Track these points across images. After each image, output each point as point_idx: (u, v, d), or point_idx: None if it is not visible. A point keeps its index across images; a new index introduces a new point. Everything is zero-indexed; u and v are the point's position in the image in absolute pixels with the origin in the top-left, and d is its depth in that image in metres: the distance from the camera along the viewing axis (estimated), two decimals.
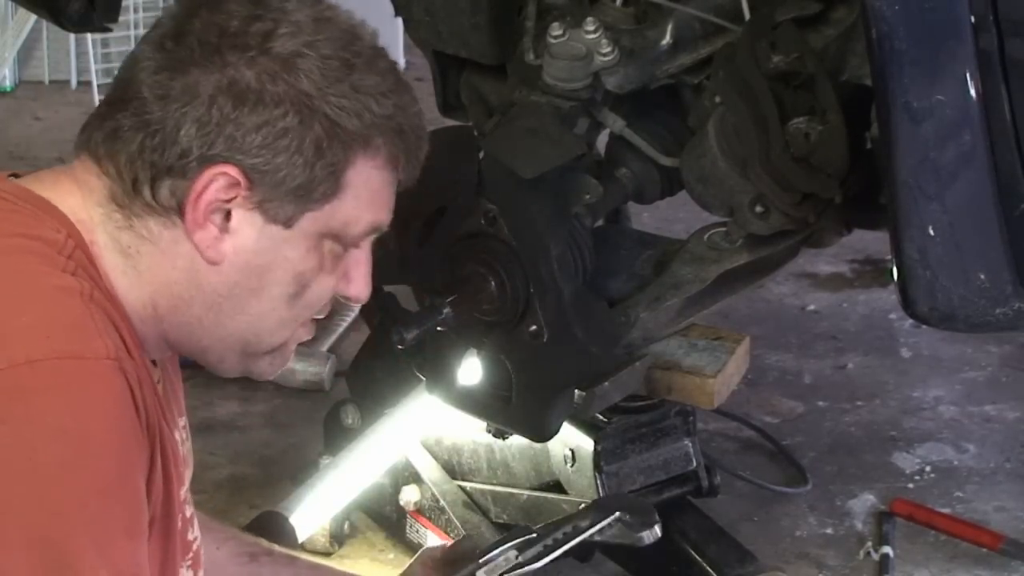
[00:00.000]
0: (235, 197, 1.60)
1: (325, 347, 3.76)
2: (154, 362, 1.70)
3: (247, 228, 1.62)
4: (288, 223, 1.62)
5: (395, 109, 1.64)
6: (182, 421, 1.82)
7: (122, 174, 1.62)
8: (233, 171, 1.59)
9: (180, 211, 1.61)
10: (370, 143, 1.62)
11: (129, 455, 1.54)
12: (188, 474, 1.81)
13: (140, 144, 1.60)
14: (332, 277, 1.68)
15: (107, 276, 1.63)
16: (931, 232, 2.12)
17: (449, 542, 2.82)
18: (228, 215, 1.61)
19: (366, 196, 1.65)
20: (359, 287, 1.71)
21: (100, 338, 1.54)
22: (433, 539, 2.86)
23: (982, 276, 2.14)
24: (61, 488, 1.48)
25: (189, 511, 1.75)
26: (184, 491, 1.73)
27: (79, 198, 1.64)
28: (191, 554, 1.76)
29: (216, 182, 1.59)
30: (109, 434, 1.52)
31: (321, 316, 1.72)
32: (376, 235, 1.70)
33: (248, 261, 1.64)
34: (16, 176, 1.71)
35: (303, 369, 3.62)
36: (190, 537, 1.76)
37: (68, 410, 1.49)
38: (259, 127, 1.59)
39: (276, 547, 2.06)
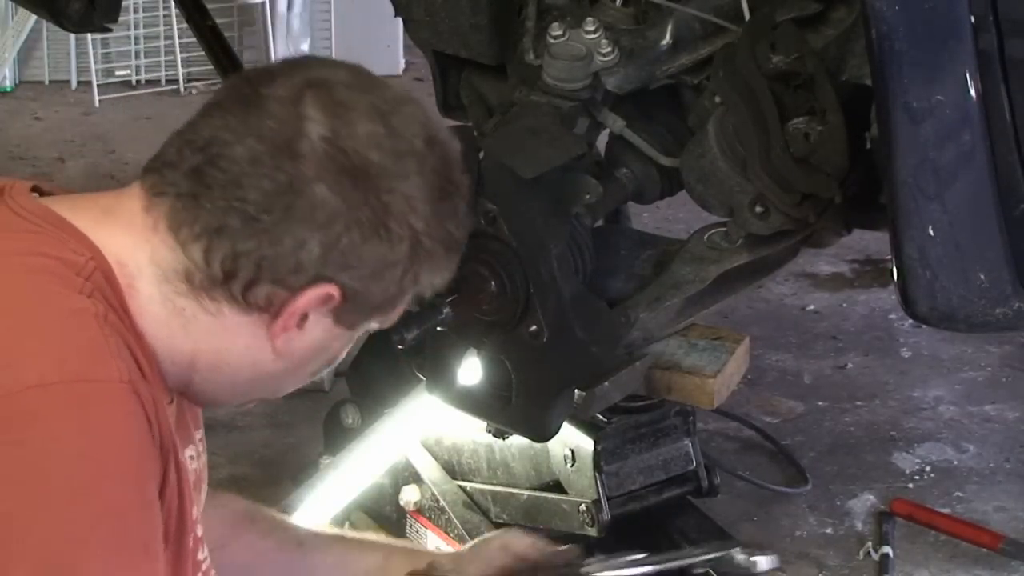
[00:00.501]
0: (322, 307, 1.66)
1: None
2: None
3: (317, 328, 1.68)
4: (352, 327, 1.70)
5: (466, 233, 1.73)
6: (199, 434, 1.83)
7: (212, 264, 1.62)
8: (336, 291, 1.64)
9: (268, 312, 1.64)
10: (445, 267, 1.72)
11: (144, 476, 1.55)
12: (203, 494, 1.81)
13: (250, 249, 1.61)
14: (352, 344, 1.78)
15: (135, 312, 1.63)
16: (931, 232, 2.11)
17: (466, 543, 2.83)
18: (307, 316, 1.66)
19: (408, 299, 1.73)
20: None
21: (113, 361, 1.54)
22: (433, 539, 2.86)
23: (982, 276, 2.14)
24: (75, 512, 1.47)
25: (200, 531, 1.76)
26: (196, 511, 1.73)
27: (130, 245, 1.63)
28: (200, 573, 1.76)
29: (317, 298, 1.64)
30: (123, 457, 1.52)
31: None
32: None
33: (304, 353, 1.70)
34: (39, 192, 1.71)
35: None
36: (200, 557, 1.76)
37: (81, 433, 1.49)
38: (376, 259, 1.63)
39: (320, 529, 2.09)
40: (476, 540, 2.19)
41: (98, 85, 5.61)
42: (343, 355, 1.77)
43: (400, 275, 1.65)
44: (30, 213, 1.64)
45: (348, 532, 2.21)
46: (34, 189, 1.71)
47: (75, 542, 1.47)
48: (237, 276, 1.62)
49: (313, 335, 1.68)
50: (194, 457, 1.79)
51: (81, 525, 1.47)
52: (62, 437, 1.48)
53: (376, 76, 1.70)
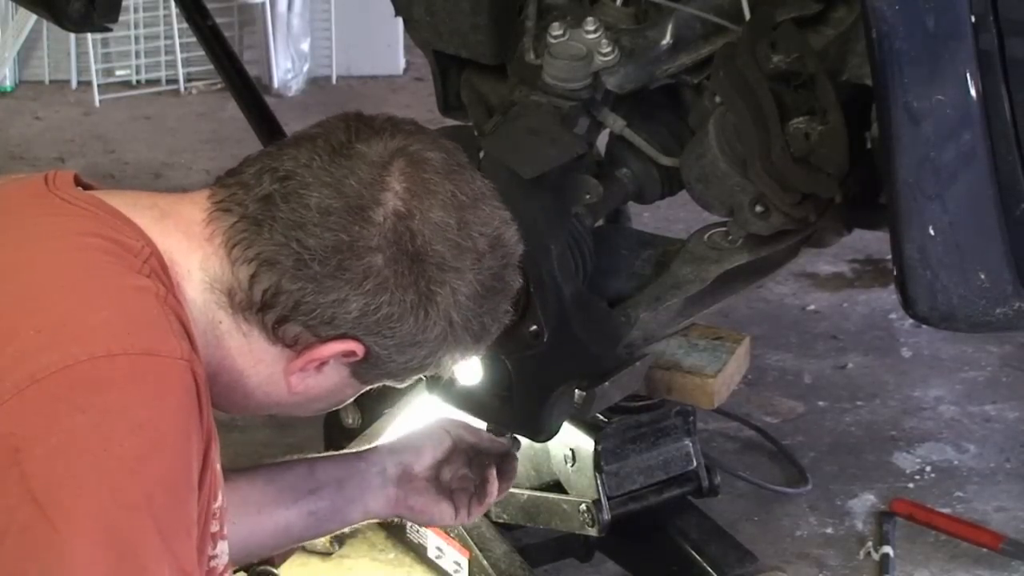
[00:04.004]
0: (343, 359, 1.71)
1: None
2: None
3: (333, 374, 1.73)
4: (366, 382, 1.76)
5: (498, 328, 1.79)
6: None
7: (255, 292, 1.66)
8: (360, 350, 1.69)
9: (293, 349, 1.69)
10: (476, 351, 1.79)
11: (192, 456, 1.58)
12: (223, 489, 1.83)
13: (294, 290, 1.65)
14: None
15: (184, 303, 1.66)
16: (931, 232, 2.11)
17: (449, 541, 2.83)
18: (326, 361, 1.71)
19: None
20: None
21: (175, 338, 1.58)
22: (433, 539, 2.86)
23: (982, 276, 2.14)
24: (133, 480, 1.50)
25: (216, 526, 1.77)
26: (216, 505, 1.74)
27: (184, 248, 1.67)
28: (216, 550, 1.77)
29: (341, 351, 1.68)
30: (179, 433, 1.55)
31: None
32: None
33: (318, 395, 1.76)
34: (84, 186, 1.74)
35: None
36: (214, 529, 1.76)
37: (144, 405, 1.53)
38: (407, 335, 1.69)
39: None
40: (411, 431, 2.28)
41: (98, 85, 5.60)
42: (350, 400, 1.83)
43: (425, 354, 1.72)
44: (81, 201, 1.68)
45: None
46: (76, 181, 1.74)
47: (131, 509, 1.49)
48: (274, 308, 1.66)
49: (329, 380, 1.73)
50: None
51: (139, 493, 1.50)
52: (125, 407, 1.51)
53: (467, 163, 1.75)
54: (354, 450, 2.28)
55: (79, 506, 1.47)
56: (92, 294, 1.57)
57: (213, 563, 1.78)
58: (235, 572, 2.55)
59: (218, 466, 1.74)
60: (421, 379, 2.60)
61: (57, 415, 1.49)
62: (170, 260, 1.65)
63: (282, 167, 1.67)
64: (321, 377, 1.73)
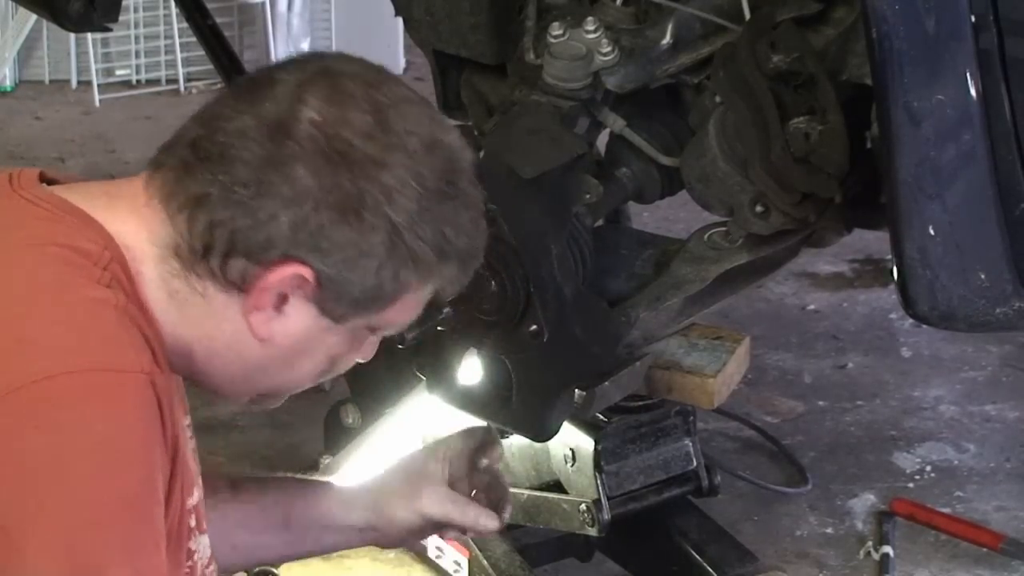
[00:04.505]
0: (301, 292, 1.65)
1: None
2: None
3: (298, 315, 1.67)
4: (338, 320, 1.68)
5: (470, 241, 1.70)
6: (187, 419, 1.83)
7: (195, 235, 1.63)
8: (308, 273, 1.63)
9: (243, 289, 1.64)
10: (442, 273, 1.69)
11: (155, 469, 1.56)
12: (198, 486, 1.82)
13: (226, 219, 1.62)
14: (357, 354, 1.77)
15: (146, 301, 1.64)
16: (931, 232, 2.11)
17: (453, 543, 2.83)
18: (284, 298, 1.66)
19: (413, 304, 1.72)
20: (367, 354, 1.79)
21: (133, 351, 1.56)
22: (433, 539, 2.86)
23: (982, 276, 2.14)
24: (94, 498, 1.49)
25: (193, 521, 1.76)
26: (192, 502, 1.74)
27: (133, 228, 1.65)
28: (190, 562, 1.76)
29: (289, 278, 1.63)
30: (140, 447, 1.54)
31: None
32: None
33: (291, 344, 1.69)
34: (48, 181, 1.71)
35: None
36: (191, 545, 1.76)
37: (102, 422, 1.51)
38: (348, 244, 1.63)
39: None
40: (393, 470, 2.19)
41: (98, 85, 5.60)
42: (350, 363, 1.77)
43: (376, 267, 1.64)
44: (44, 201, 1.65)
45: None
46: (40, 177, 1.71)
47: (95, 526, 1.48)
48: (215, 248, 1.62)
49: (297, 322, 1.67)
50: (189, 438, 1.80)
51: (101, 510, 1.49)
52: (85, 424, 1.50)
53: (394, 76, 1.71)
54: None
55: (40, 526, 1.46)
56: (50, 310, 1.55)
57: (194, 559, 1.77)
58: (253, 568, 2.55)
59: (193, 464, 1.74)
60: (421, 379, 2.63)
61: (15, 435, 1.48)
62: (125, 248, 1.63)
63: (207, 110, 1.66)
64: (288, 321, 1.67)
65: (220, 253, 1.63)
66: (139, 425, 1.54)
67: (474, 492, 2.16)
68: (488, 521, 2.13)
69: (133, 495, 1.52)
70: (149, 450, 1.55)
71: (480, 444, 2.18)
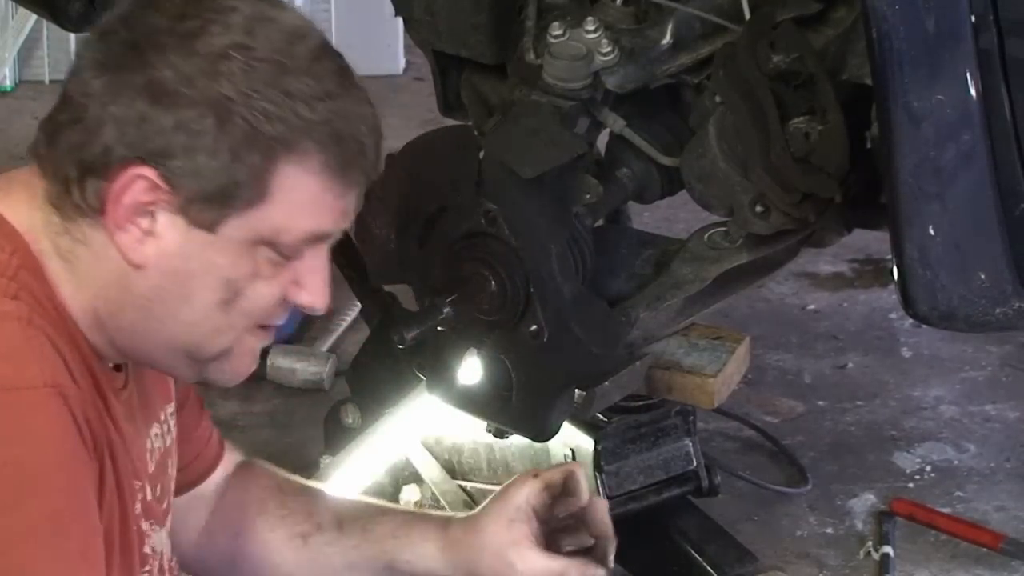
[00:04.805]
0: (156, 200, 1.57)
1: (325, 347, 3.76)
2: (120, 367, 1.69)
3: (170, 232, 1.59)
4: (212, 228, 1.58)
5: (330, 114, 1.59)
6: (169, 408, 1.81)
7: (56, 173, 1.60)
8: (150, 173, 1.56)
9: (103, 212, 1.58)
10: (296, 149, 1.57)
11: (76, 479, 1.53)
12: (171, 470, 1.80)
13: (68, 141, 1.58)
14: (272, 284, 1.63)
15: (54, 285, 1.61)
16: (931, 232, 2.12)
17: None
18: (154, 217, 1.58)
19: (298, 203, 1.59)
20: (313, 296, 1.66)
21: (36, 365, 1.53)
22: None
23: (982, 276, 2.14)
24: (11, 520, 1.47)
25: (147, 524, 1.73)
26: (139, 507, 1.71)
27: (25, 203, 1.62)
28: (148, 566, 1.74)
29: (136, 184, 1.56)
30: (52, 462, 1.51)
31: (277, 322, 1.69)
32: (327, 243, 1.66)
33: (174, 266, 1.60)
34: None
35: (303, 369, 3.62)
36: (147, 549, 1.74)
37: (8, 442, 1.49)
38: (176, 128, 1.55)
39: (324, 517, 1.96)
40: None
41: None
42: (263, 294, 1.63)
43: (212, 150, 1.55)
44: None
45: (348, 516, 1.99)
46: None
47: (15, 548, 1.46)
48: (70, 178, 1.58)
49: (171, 240, 1.58)
50: (159, 435, 1.77)
51: (16, 534, 1.47)
52: None
53: None
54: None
55: None
56: None
57: (151, 563, 1.75)
58: None
59: (139, 463, 1.71)
60: (421, 379, 2.63)
61: None
62: (25, 231, 1.60)
63: (60, 96, 1.63)
64: (161, 241, 1.58)
65: (75, 180, 1.58)
66: (49, 442, 1.51)
67: (565, 545, 1.92)
68: (597, 573, 1.89)
69: (52, 511, 1.49)
70: (64, 465, 1.52)
71: (563, 484, 1.93)
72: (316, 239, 1.63)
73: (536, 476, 1.93)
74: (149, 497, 1.73)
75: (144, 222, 1.58)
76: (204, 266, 1.60)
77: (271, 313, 1.66)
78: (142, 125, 1.55)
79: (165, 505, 1.80)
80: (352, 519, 1.96)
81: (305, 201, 1.60)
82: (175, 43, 1.56)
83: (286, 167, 1.57)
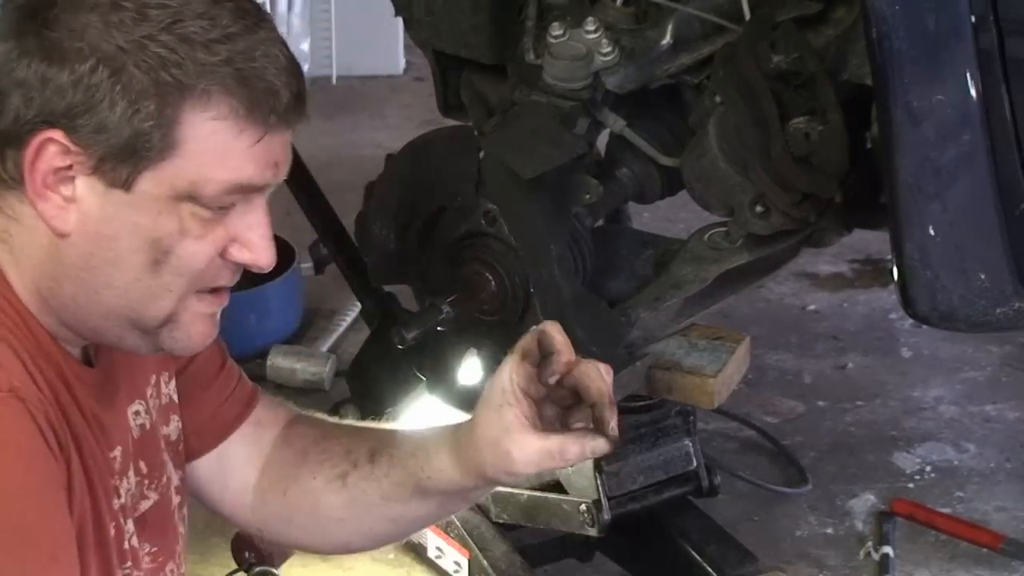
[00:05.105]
0: (71, 164, 1.54)
1: (325, 347, 3.76)
2: (86, 351, 1.67)
3: (90, 196, 1.55)
4: (127, 186, 1.54)
5: (230, 54, 1.53)
6: (152, 379, 1.78)
7: None
8: (58, 135, 1.53)
9: (22, 182, 1.56)
10: (197, 93, 1.52)
11: (42, 483, 1.52)
12: (133, 475, 1.77)
13: None
14: (203, 243, 1.58)
15: (9, 284, 1.59)
16: (931, 232, 2.12)
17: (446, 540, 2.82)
18: (73, 183, 1.55)
19: (211, 151, 1.55)
20: (258, 253, 1.61)
21: None
22: (433, 538, 2.86)
23: (982, 276, 2.14)
24: None
25: (127, 521, 1.71)
26: (119, 502, 1.69)
27: None
28: (129, 562, 1.72)
29: (47, 149, 1.54)
30: (15, 469, 1.50)
31: (221, 284, 1.63)
32: (260, 195, 1.61)
33: (97, 231, 1.56)
34: None
35: (303, 369, 3.62)
36: (126, 546, 1.72)
37: None
38: (73, 85, 1.52)
39: (360, 453, 1.87)
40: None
41: None
42: (194, 252, 1.58)
43: (110, 104, 1.52)
44: None
45: (385, 446, 1.88)
46: None
47: None
48: None
49: (91, 204, 1.56)
50: (140, 412, 1.75)
51: None
52: None
53: None
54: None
55: None
56: None
57: (141, 552, 1.74)
58: (253, 568, 2.50)
59: (112, 455, 1.68)
60: (421, 379, 2.63)
61: None
62: None
63: None
64: (82, 205, 1.55)
65: None
66: (11, 448, 1.49)
67: (573, 422, 1.74)
68: (597, 445, 1.70)
69: (16, 521, 1.48)
70: (29, 470, 1.51)
71: (539, 346, 1.73)
72: (241, 190, 1.58)
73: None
74: (133, 487, 1.71)
75: (65, 189, 1.55)
76: (127, 228, 1.56)
77: (211, 274, 1.61)
78: (43, 88, 1.53)
79: (164, 480, 1.77)
80: (381, 448, 1.87)
81: (218, 149, 1.55)
82: (67, 1, 1.54)
83: (190, 114, 1.54)
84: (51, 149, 1.54)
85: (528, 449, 1.70)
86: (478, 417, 1.75)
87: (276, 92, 1.56)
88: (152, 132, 1.52)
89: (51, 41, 1.53)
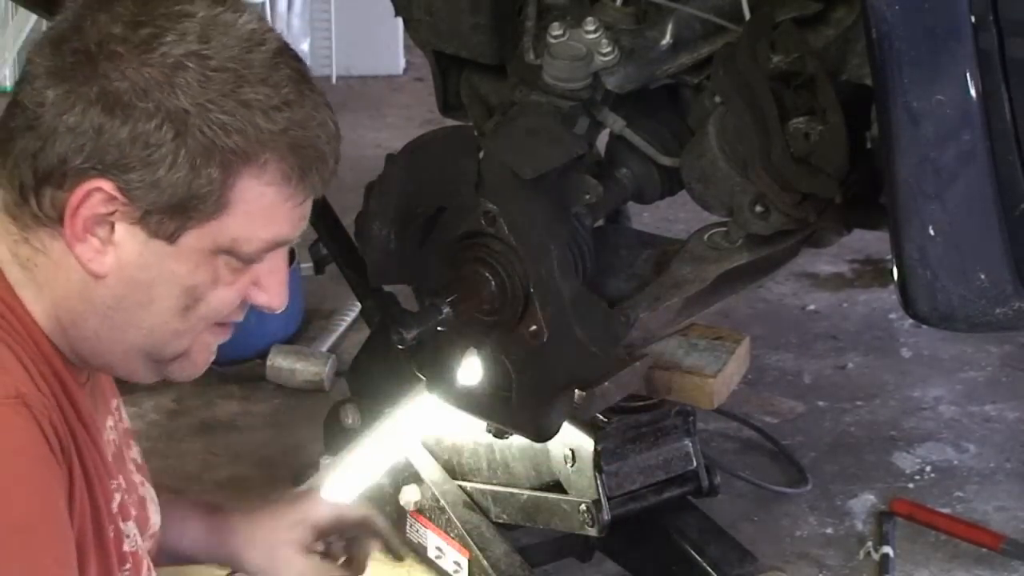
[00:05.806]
0: (115, 211, 1.57)
1: (325, 347, 3.76)
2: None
3: (130, 242, 1.58)
4: (172, 239, 1.58)
5: (289, 123, 1.58)
6: (115, 402, 1.81)
7: (12, 180, 1.59)
8: (108, 186, 1.55)
9: (61, 222, 1.58)
10: (255, 160, 1.57)
11: (45, 487, 1.54)
12: (133, 451, 1.81)
13: (23, 148, 1.57)
14: (231, 290, 1.64)
15: (14, 291, 1.61)
16: (931, 232, 2.12)
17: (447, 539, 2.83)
18: (112, 228, 1.58)
19: (258, 213, 1.59)
20: (272, 296, 1.67)
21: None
22: (433, 539, 2.86)
23: (982, 276, 2.14)
24: None
25: (125, 524, 1.74)
26: (116, 504, 1.71)
27: None
28: (128, 564, 1.75)
29: (93, 196, 1.56)
30: (20, 472, 1.51)
31: (236, 320, 1.69)
32: (286, 246, 1.66)
33: (134, 276, 1.60)
34: None
35: (303, 369, 3.62)
36: (126, 548, 1.74)
37: None
38: (132, 141, 1.54)
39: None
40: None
41: None
42: (223, 299, 1.64)
43: (171, 162, 1.54)
44: None
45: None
46: None
47: None
48: (25, 184, 1.57)
49: (130, 250, 1.58)
50: (112, 427, 1.77)
51: None
52: None
53: None
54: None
55: None
56: None
57: (138, 555, 1.76)
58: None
59: (126, 464, 1.72)
60: (421, 379, 2.63)
61: None
62: None
63: (11, 100, 1.61)
64: (121, 251, 1.58)
65: (31, 188, 1.57)
66: (16, 454, 1.51)
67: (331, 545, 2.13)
68: None
69: (22, 521, 1.49)
70: (33, 475, 1.52)
71: (357, 526, 2.15)
72: (274, 246, 1.64)
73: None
74: (122, 497, 1.73)
75: (102, 232, 1.58)
76: (164, 275, 1.60)
77: (231, 314, 1.67)
78: (98, 137, 1.54)
79: (135, 496, 1.80)
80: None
81: (264, 211, 1.60)
82: (129, 52, 1.55)
83: (245, 179, 1.57)
84: (97, 197, 1.56)
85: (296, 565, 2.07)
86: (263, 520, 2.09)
87: (324, 160, 1.62)
88: (206, 195, 1.56)
89: (113, 93, 1.54)
